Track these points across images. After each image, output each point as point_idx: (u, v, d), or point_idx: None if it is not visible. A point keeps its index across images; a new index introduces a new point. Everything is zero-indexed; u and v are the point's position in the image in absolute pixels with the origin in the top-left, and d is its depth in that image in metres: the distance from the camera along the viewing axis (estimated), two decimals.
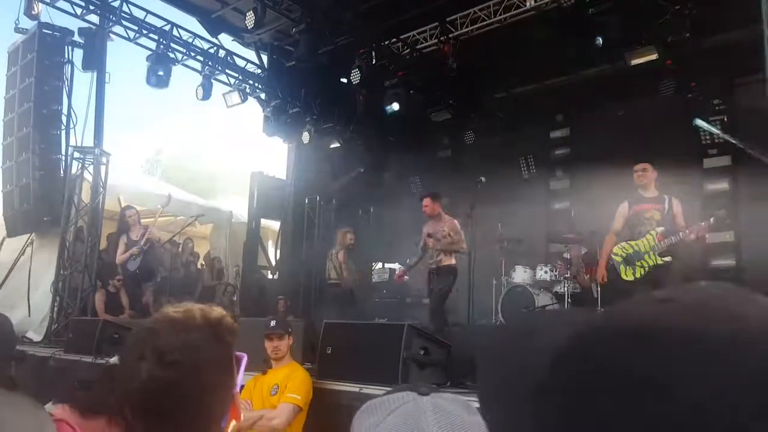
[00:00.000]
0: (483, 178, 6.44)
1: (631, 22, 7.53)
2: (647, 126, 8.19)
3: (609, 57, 8.31)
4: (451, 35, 9.29)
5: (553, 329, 0.51)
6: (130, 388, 1.11)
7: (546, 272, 8.10)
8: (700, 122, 6.35)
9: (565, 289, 7.71)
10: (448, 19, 9.31)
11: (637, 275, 5.48)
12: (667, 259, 5.39)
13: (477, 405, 0.86)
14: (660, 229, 5.42)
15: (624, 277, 5.57)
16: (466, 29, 9.20)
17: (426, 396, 0.85)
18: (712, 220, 5.36)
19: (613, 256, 5.63)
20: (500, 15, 8.80)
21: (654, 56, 7.87)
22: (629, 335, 0.40)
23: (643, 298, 0.44)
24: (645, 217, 5.53)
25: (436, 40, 9.52)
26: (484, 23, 9.02)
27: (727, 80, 8.19)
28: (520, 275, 8.15)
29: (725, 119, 8.18)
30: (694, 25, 7.31)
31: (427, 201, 6.89)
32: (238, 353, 1.21)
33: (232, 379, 1.19)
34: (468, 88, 9.66)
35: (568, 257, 8.05)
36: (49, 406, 1.48)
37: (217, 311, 1.20)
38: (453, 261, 6.83)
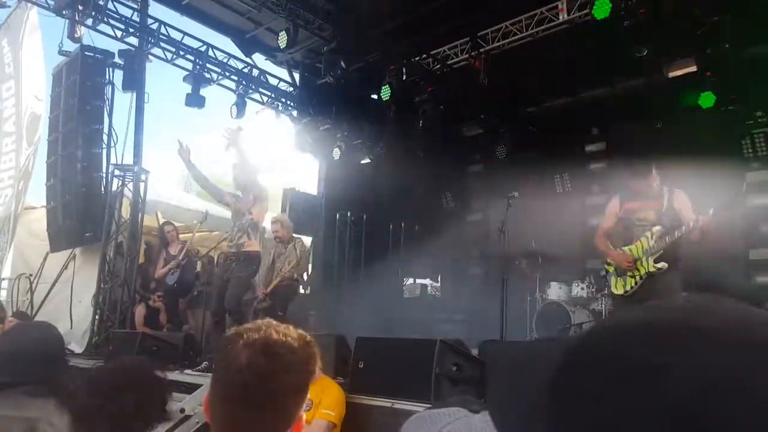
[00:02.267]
0: (516, 193, 6.34)
1: (668, 34, 7.41)
2: (687, 139, 8.03)
3: (646, 69, 8.18)
4: (482, 50, 9.27)
5: (564, 340, 0.54)
6: (227, 374, 1.22)
7: (582, 289, 7.97)
8: None
9: (602, 306, 7.56)
10: (479, 33, 9.30)
11: (628, 287, 4.72)
12: (661, 265, 4.54)
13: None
14: (656, 228, 4.56)
15: (614, 291, 4.88)
16: (498, 44, 9.16)
17: (477, 414, 0.81)
18: (711, 211, 4.37)
19: (606, 266, 5.00)
20: (532, 29, 8.74)
21: (693, 68, 7.73)
22: (632, 330, 0.45)
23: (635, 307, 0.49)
24: (638, 217, 4.73)
25: (467, 55, 9.50)
26: (516, 37, 8.96)
27: None
28: (555, 292, 8.04)
29: None
30: (734, 36, 7.16)
31: None
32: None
33: (306, 395, 1.29)
34: (500, 102, 9.63)
35: (605, 274, 7.89)
36: None
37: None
38: (257, 247, 5.98)
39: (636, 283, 4.70)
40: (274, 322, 1.31)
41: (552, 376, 0.47)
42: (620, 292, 4.82)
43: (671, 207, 4.63)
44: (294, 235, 7.89)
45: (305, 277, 11.25)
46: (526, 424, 0.51)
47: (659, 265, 4.58)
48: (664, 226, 4.59)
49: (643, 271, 4.65)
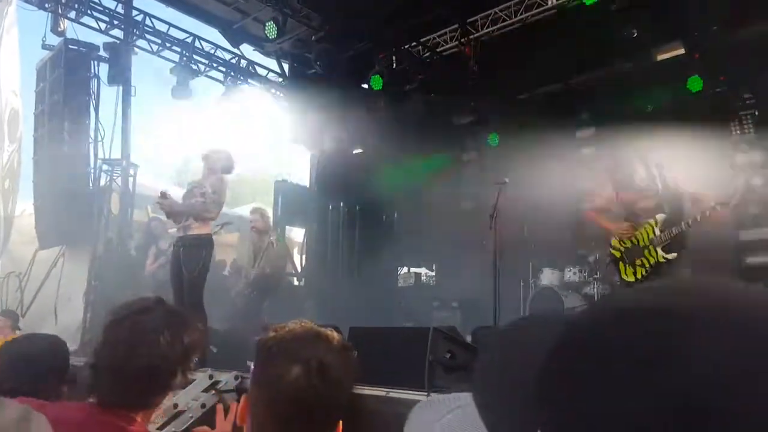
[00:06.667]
0: (507, 179, 6.28)
1: (656, 17, 7.38)
2: (677, 122, 8.01)
3: (634, 53, 8.16)
4: (471, 37, 9.22)
5: (547, 329, 0.51)
6: (281, 392, 1.19)
7: (574, 273, 8.00)
8: None
9: (595, 290, 7.58)
10: (468, 20, 9.25)
11: (638, 276, 4.65)
12: (672, 255, 4.50)
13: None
14: (660, 216, 4.53)
15: (624, 277, 4.79)
16: (487, 30, 9.12)
17: None
18: (717, 206, 4.40)
19: (612, 251, 4.87)
20: (521, 14, 8.70)
21: (681, 51, 7.71)
22: (626, 314, 0.43)
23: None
24: (638, 207, 4.68)
25: (456, 42, 9.46)
26: (505, 23, 8.92)
27: (757, 74, 7.98)
28: (548, 277, 8.06)
29: (756, 113, 7.98)
30: (721, 18, 7.14)
31: None
32: None
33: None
34: (490, 89, 9.58)
35: (596, 258, 7.89)
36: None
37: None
38: (207, 229, 5.40)
39: (647, 271, 4.63)
40: (316, 329, 1.29)
41: (544, 359, 0.44)
42: (631, 279, 4.74)
43: (667, 187, 4.58)
44: (287, 226, 7.81)
45: (299, 268, 11.24)
46: (513, 407, 0.50)
47: (669, 256, 4.53)
48: (665, 212, 4.55)
49: (652, 260, 4.59)
